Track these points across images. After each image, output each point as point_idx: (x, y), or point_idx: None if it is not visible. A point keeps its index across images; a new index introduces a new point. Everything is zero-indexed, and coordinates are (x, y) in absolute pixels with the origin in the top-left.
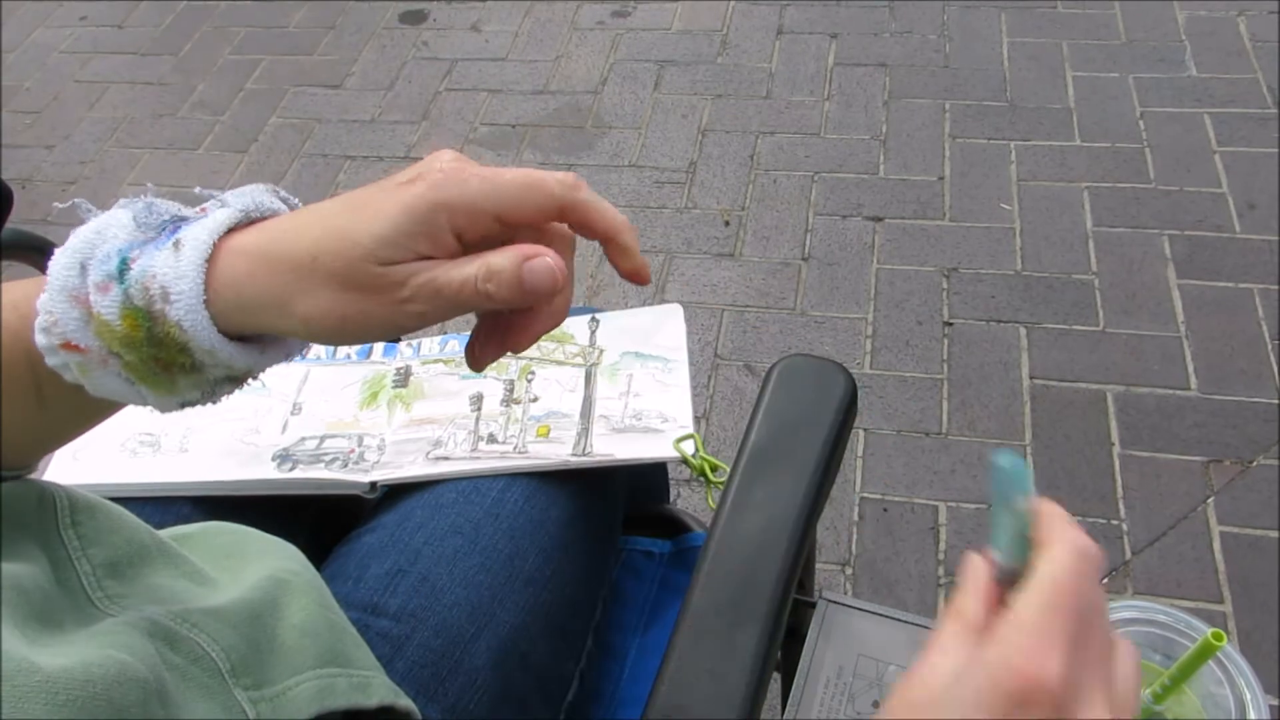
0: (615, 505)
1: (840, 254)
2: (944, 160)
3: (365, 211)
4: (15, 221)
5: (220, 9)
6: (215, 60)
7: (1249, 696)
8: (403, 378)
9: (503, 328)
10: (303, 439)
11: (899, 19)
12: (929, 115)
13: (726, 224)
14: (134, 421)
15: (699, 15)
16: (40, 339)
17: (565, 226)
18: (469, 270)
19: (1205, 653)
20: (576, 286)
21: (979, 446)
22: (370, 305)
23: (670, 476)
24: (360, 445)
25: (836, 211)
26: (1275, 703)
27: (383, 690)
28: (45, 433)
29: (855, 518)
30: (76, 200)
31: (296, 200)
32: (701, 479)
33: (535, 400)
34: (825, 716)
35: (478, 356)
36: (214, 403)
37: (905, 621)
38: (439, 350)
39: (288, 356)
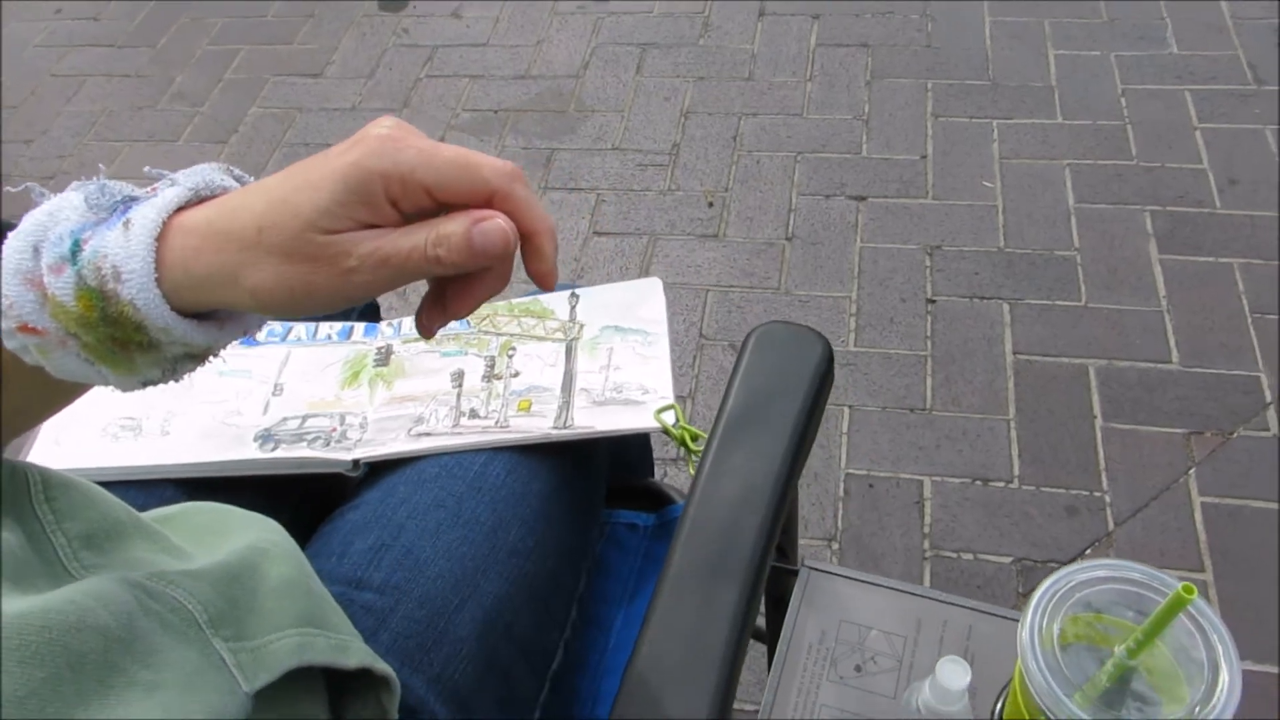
0: (597, 477)
1: (824, 233)
2: (926, 139)
3: (306, 182)
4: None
5: None
6: (193, 51)
7: (1221, 649)
8: (384, 357)
9: (448, 294)
10: (285, 419)
11: None
12: (911, 95)
13: (710, 205)
14: (115, 406)
15: None
16: None
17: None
18: (417, 237)
19: (1176, 606)
20: (561, 269)
21: (963, 422)
22: (317, 276)
23: (656, 456)
24: (342, 424)
25: (820, 191)
26: (1256, 668)
27: (361, 654)
28: (12, 414)
29: (841, 493)
30: (29, 184)
31: (250, 178)
32: (683, 451)
33: (516, 375)
34: (808, 681)
35: (424, 324)
36: (176, 380)
37: (886, 587)
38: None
39: (245, 332)
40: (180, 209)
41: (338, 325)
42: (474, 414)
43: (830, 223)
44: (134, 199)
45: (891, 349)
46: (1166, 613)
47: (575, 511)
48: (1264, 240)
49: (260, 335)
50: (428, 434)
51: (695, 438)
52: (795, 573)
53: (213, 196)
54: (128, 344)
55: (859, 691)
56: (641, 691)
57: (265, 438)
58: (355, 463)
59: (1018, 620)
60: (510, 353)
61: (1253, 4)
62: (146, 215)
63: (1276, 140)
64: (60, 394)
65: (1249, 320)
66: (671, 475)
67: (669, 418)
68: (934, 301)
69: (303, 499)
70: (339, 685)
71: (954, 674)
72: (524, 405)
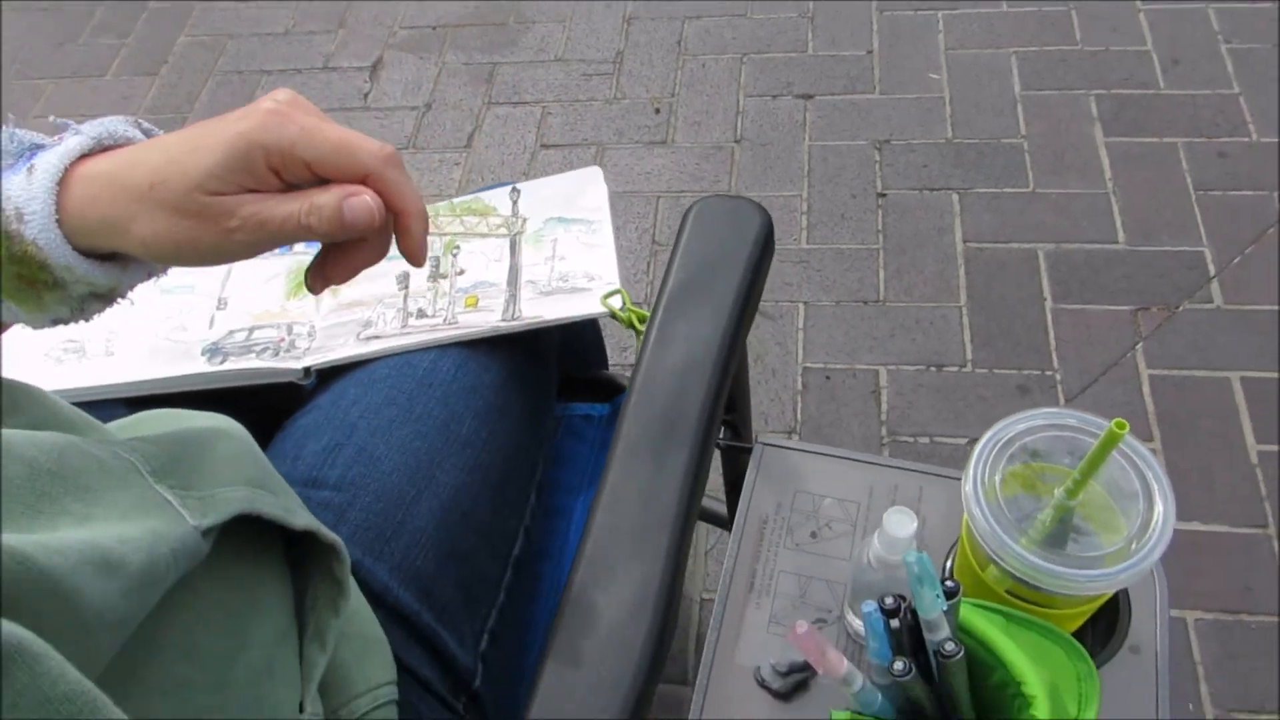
0: (548, 367)
1: (772, 134)
2: (872, 34)
3: (199, 145)
4: None
5: None
6: None
7: (1155, 483)
8: None
9: (329, 260)
10: (231, 332)
11: None
12: None
13: (657, 111)
14: (55, 331)
15: None
16: None
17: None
18: (293, 206)
19: (1110, 442)
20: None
21: (916, 311)
22: (201, 232)
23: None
24: (290, 333)
25: (766, 92)
26: (1204, 528)
27: (308, 519)
28: None
29: (799, 387)
30: None
31: (159, 131)
32: (633, 334)
33: (461, 273)
34: (767, 549)
35: (309, 283)
36: (85, 320)
37: (838, 457)
38: None
39: (149, 275)
40: (85, 157)
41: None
42: (421, 314)
43: (778, 123)
44: (40, 146)
45: (843, 244)
46: (1101, 450)
47: (528, 401)
48: (1206, 118)
49: None
50: (376, 336)
51: (643, 319)
52: (749, 450)
53: (117, 146)
54: (35, 282)
55: (815, 556)
56: (598, 555)
57: (213, 351)
58: (306, 370)
59: None
60: (454, 251)
61: None
62: (49, 161)
63: (1218, 18)
64: None
65: (1193, 197)
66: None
67: (616, 302)
68: (884, 195)
69: (256, 412)
70: (297, 564)
71: (900, 523)
72: (471, 301)
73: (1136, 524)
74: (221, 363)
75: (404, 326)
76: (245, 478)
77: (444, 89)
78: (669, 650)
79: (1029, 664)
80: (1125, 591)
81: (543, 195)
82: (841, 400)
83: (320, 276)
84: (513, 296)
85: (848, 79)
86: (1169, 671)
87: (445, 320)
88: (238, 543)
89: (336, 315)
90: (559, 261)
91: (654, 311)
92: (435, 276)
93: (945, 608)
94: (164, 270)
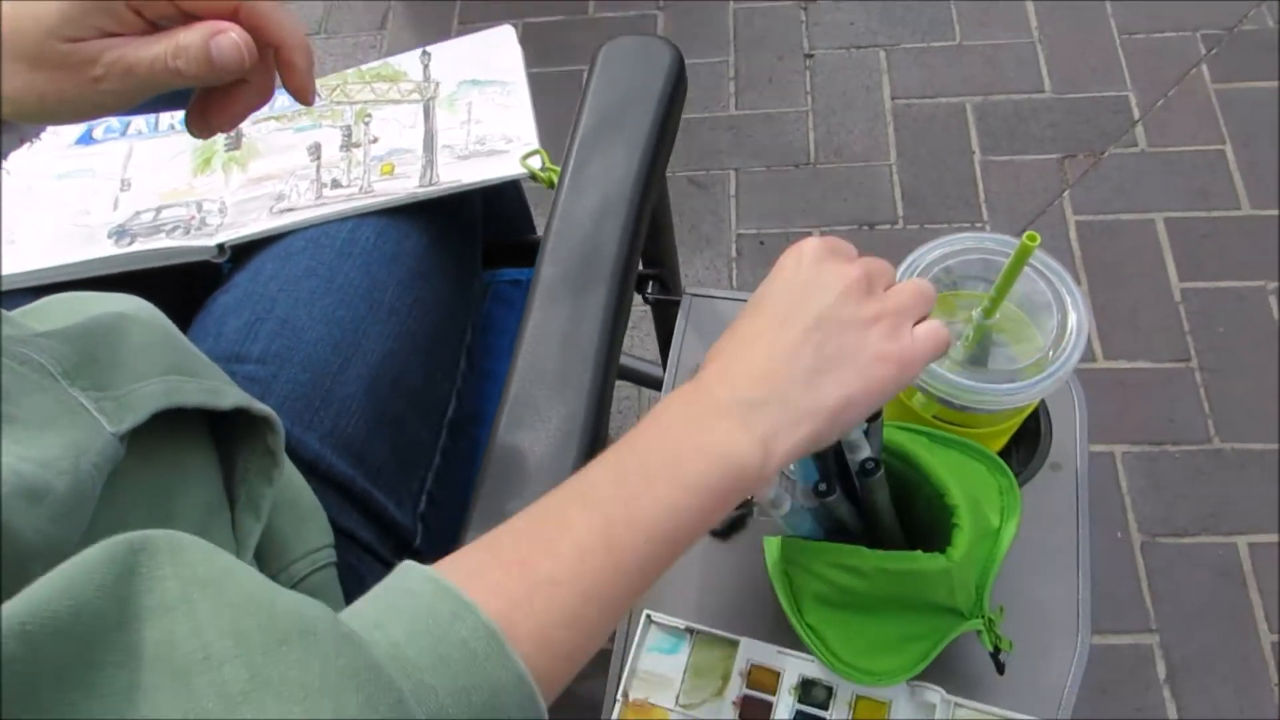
0: (472, 233)
1: None
2: None
3: None
4: None
5: None
6: None
7: (1067, 296)
8: (234, 140)
9: (210, 106)
10: (138, 213)
11: None
12: None
13: None
14: None
15: None
16: None
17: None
18: (158, 48)
19: (1022, 256)
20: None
21: (847, 171)
22: (65, 84)
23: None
24: (200, 211)
25: None
26: (1129, 365)
27: (236, 396)
28: None
29: (734, 254)
30: None
31: None
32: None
33: (375, 141)
34: None
35: (190, 126)
36: None
37: None
38: (269, 109)
39: (21, 140)
40: None
41: (179, 113)
42: (336, 184)
43: None
44: None
45: (772, 108)
46: (1014, 265)
47: (452, 268)
48: None
49: (98, 133)
50: (290, 209)
51: None
52: (678, 302)
53: None
54: None
55: None
56: (522, 395)
57: (120, 233)
58: (220, 248)
59: None
60: (366, 120)
61: None
62: None
63: None
64: None
65: (1117, 42)
66: None
67: (535, 162)
68: (811, 56)
69: (173, 295)
70: (225, 436)
71: None
72: (386, 169)
73: (1052, 335)
74: (130, 244)
75: (319, 198)
76: (162, 366)
77: None
78: None
79: (951, 478)
80: (1047, 413)
81: (455, 58)
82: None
83: (201, 119)
84: (429, 162)
85: None
86: (1089, 487)
87: (361, 189)
88: (159, 425)
89: (247, 190)
90: (475, 125)
91: (566, 155)
92: (348, 146)
93: (865, 428)
94: (36, 133)
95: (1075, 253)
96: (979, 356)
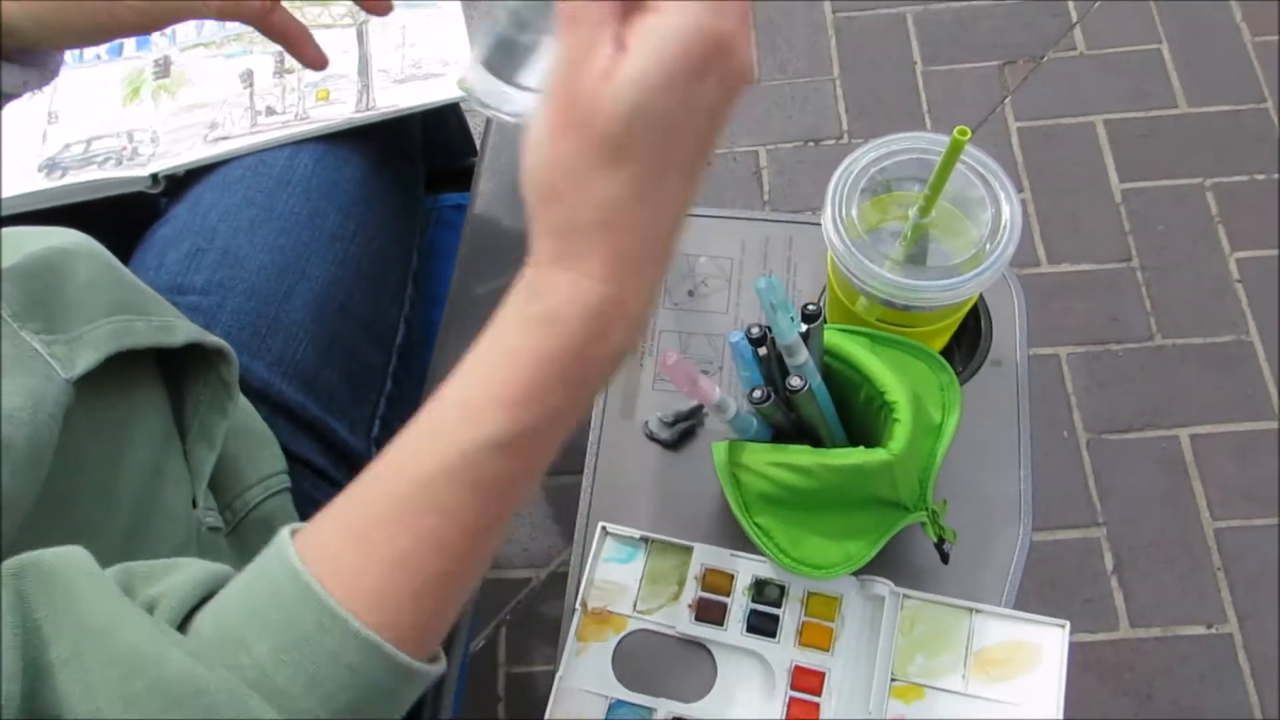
0: (413, 158)
1: None
2: None
3: None
4: None
5: None
6: None
7: (1000, 190)
8: (163, 68)
9: None
10: (67, 145)
11: None
12: None
13: None
14: None
15: None
16: None
17: None
18: None
19: (954, 150)
20: None
21: (790, 88)
22: None
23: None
24: (131, 141)
25: None
26: (1072, 268)
27: (188, 330)
28: None
29: None
30: None
31: None
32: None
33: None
34: None
35: None
36: None
37: (709, 216)
38: (196, 35)
39: (25, 85)
40: None
41: (104, 44)
42: (270, 111)
43: None
44: None
45: None
46: (946, 160)
47: (394, 192)
48: None
49: None
50: (225, 137)
51: None
52: None
53: None
54: None
55: (693, 313)
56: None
57: (50, 167)
58: (154, 178)
59: None
60: None
61: None
62: None
63: None
64: None
65: None
66: None
67: None
68: None
69: (110, 229)
70: (176, 369)
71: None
72: (322, 95)
73: (987, 229)
74: (61, 177)
75: (253, 125)
76: (110, 304)
77: None
78: None
79: (891, 376)
80: (986, 311)
81: None
82: (724, 184)
83: None
84: (365, 87)
85: None
86: (1031, 383)
87: (296, 116)
88: (110, 363)
89: (179, 118)
90: (409, 48)
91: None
92: (281, 72)
93: (803, 330)
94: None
95: (1018, 159)
96: (917, 255)
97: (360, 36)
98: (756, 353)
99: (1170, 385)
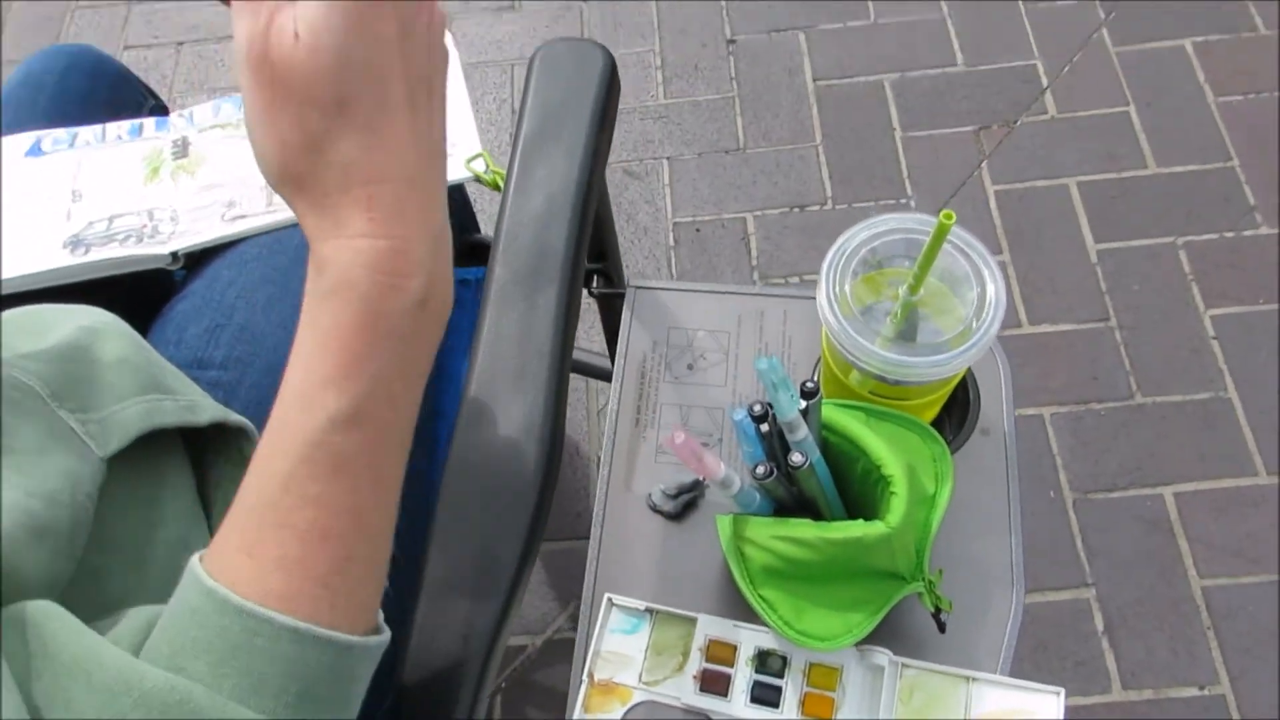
0: None
1: None
2: None
3: None
4: None
5: None
6: None
7: (985, 268)
8: (181, 148)
9: None
10: (90, 223)
11: None
12: None
13: None
14: None
15: None
16: None
17: None
18: None
19: (941, 234)
20: None
21: (775, 155)
22: None
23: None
24: (152, 219)
25: None
26: (1052, 329)
27: (212, 410)
28: None
29: (671, 243)
30: None
31: None
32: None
33: None
34: (647, 385)
35: None
36: None
37: (705, 291)
38: (213, 117)
39: None
40: None
41: (126, 124)
42: None
43: None
44: None
45: (700, 95)
46: (934, 243)
47: None
48: None
49: (47, 145)
50: (242, 216)
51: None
52: (622, 294)
53: None
54: None
55: (693, 386)
56: (482, 392)
57: (75, 243)
58: (174, 255)
59: None
60: None
61: None
62: None
63: None
64: None
65: (1023, 11)
66: None
67: (479, 165)
68: (734, 42)
69: (129, 304)
70: (199, 445)
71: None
72: None
73: (973, 307)
74: (85, 254)
75: (269, 204)
76: (138, 384)
77: None
78: (558, 475)
79: (887, 449)
80: (974, 382)
81: None
82: (713, 251)
83: None
84: None
85: None
86: (1018, 449)
87: None
88: (139, 440)
89: (198, 197)
90: None
91: (511, 161)
92: None
93: (803, 406)
94: None
95: (996, 222)
96: (907, 332)
97: None
98: (759, 429)
99: (1152, 443)
